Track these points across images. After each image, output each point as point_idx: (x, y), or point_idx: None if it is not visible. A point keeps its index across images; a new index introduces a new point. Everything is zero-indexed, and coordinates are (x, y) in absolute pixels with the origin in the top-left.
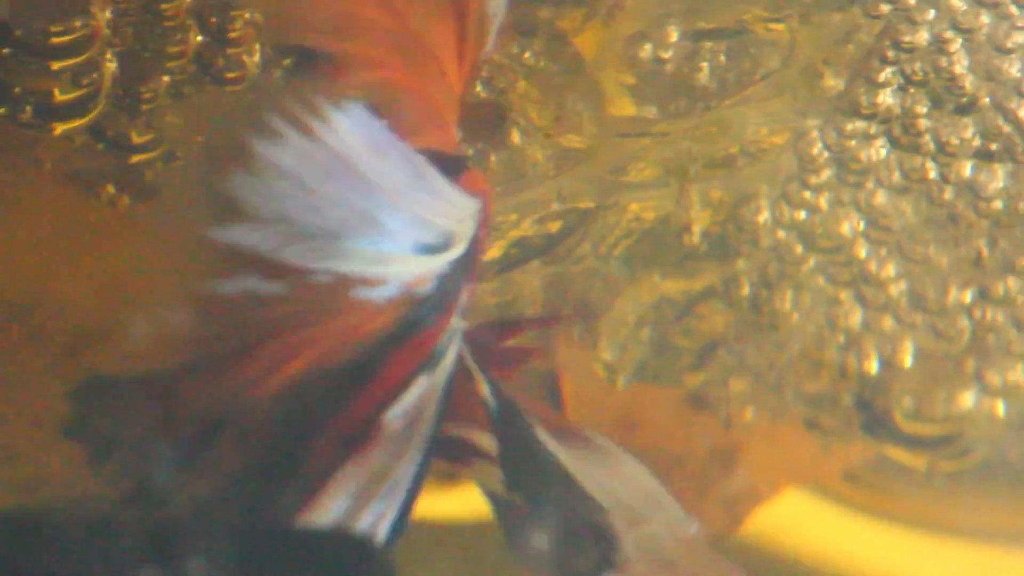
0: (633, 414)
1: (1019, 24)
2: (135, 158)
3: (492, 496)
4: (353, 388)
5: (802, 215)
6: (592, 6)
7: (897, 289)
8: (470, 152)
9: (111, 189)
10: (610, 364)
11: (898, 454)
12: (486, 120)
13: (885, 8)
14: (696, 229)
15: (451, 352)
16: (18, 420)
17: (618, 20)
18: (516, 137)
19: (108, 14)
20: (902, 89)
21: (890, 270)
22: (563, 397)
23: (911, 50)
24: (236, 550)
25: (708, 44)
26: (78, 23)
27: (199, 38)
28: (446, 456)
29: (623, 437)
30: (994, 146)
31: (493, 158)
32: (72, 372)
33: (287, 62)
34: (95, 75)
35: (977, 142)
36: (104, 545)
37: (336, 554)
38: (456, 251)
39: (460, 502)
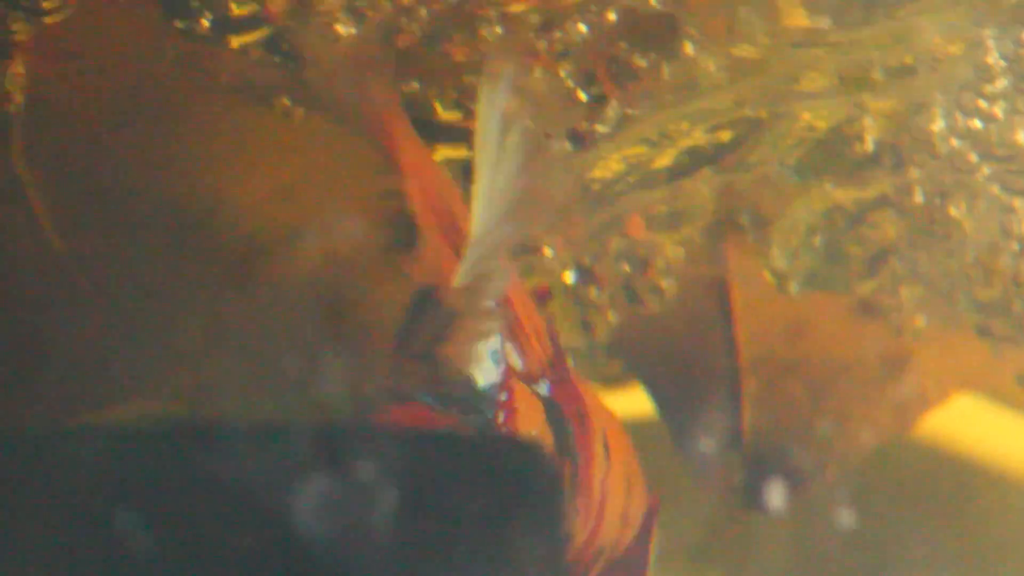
0: (803, 321)
1: None
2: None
3: (660, 398)
4: None
5: (977, 124)
6: None
7: None
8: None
9: (286, 101)
10: (781, 271)
11: None
12: (658, 31)
13: None
14: (869, 138)
15: None
16: (189, 327)
17: None
18: (688, 47)
19: None
20: None
21: None
22: (732, 305)
23: None
24: (402, 454)
25: None
26: None
27: None
28: None
29: (793, 344)
30: None
31: (665, 68)
32: (247, 281)
33: None
34: None
35: None
36: (273, 451)
37: (500, 457)
38: None
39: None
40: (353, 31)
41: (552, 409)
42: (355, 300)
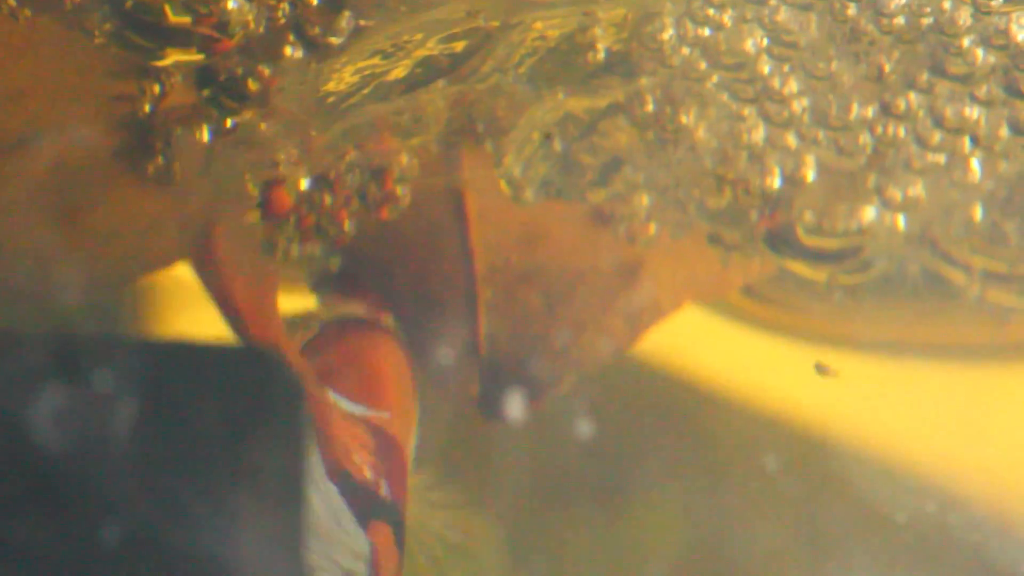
0: (538, 230)
1: None
2: None
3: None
4: None
5: (706, 32)
6: None
7: (800, 105)
8: None
9: (11, 2)
10: (515, 180)
11: (799, 268)
12: None
13: None
14: (600, 47)
15: None
16: None
17: None
18: None
19: None
20: None
21: (793, 86)
22: (468, 213)
23: None
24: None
25: None
26: None
27: None
28: None
29: (528, 252)
30: None
31: None
32: None
33: None
34: None
35: None
36: (6, 360)
37: (243, 368)
38: None
39: None
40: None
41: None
42: (87, 205)
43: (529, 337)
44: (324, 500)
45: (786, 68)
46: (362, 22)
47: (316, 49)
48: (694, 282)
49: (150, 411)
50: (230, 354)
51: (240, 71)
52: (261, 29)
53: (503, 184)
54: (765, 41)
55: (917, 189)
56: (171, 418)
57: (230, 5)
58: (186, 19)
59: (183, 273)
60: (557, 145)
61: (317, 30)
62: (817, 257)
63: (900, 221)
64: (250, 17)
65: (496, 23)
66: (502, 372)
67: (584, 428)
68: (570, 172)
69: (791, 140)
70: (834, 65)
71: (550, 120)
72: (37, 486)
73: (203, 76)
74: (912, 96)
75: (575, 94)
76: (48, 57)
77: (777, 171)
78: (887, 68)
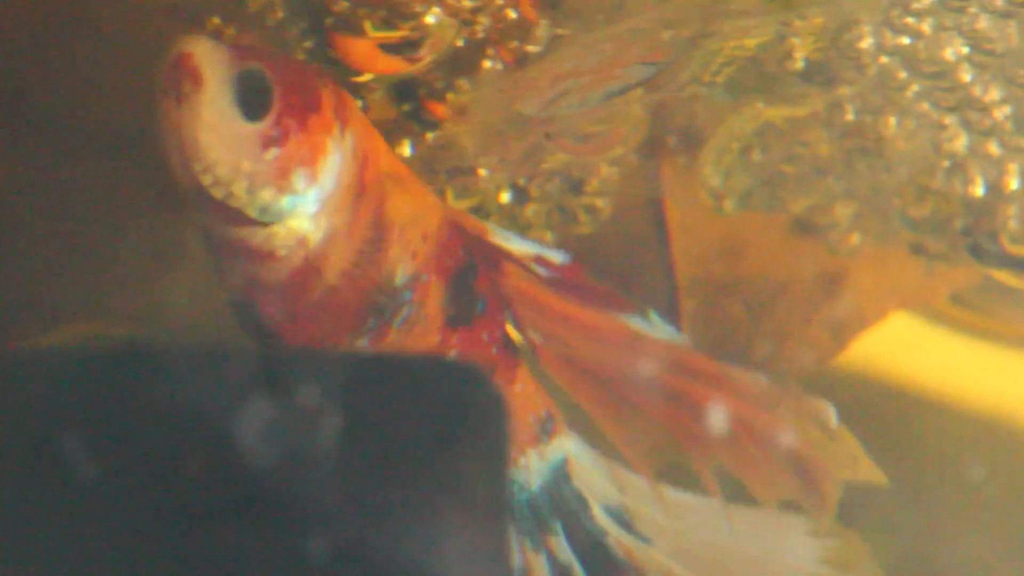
0: (739, 241)
1: None
2: None
3: None
4: None
5: (905, 40)
6: None
7: (1002, 113)
8: None
9: (217, 20)
10: (715, 190)
11: (1005, 277)
12: None
13: None
14: (799, 56)
15: None
16: (131, 251)
17: None
18: None
19: None
20: None
21: (994, 94)
22: (668, 225)
23: None
24: (344, 378)
25: None
26: None
27: None
28: None
29: (730, 264)
30: None
31: None
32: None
33: None
34: None
35: None
36: (215, 374)
37: (443, 381)
38: None
39: None
40: None
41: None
42: None
43: (732, 348)
44: None
45: (987, 76)
46: (559, 31)
47: (515, 60)
48: (898, 291)
49: (356, 423)
50: (434, 366)
51: (440, 84)
52: (460, 43)
53: (703, 195)
54: (965, 49)
55: None
56: (377, 430)
57: (429, 20)
58: (386, 34)
59: None
60: (756, 155)
61: (515, 43)
62: (1022, 265)
63: None
64: (449, 31)
65: (694, 31)
66: None
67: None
68: (770, 182)
69: (993, 148)
70: None
71: (749, 130)
72: (246, 498)
73: (403, 90)
74: None
75: (774, 103)
76: None
77: (980, 180)
78: None
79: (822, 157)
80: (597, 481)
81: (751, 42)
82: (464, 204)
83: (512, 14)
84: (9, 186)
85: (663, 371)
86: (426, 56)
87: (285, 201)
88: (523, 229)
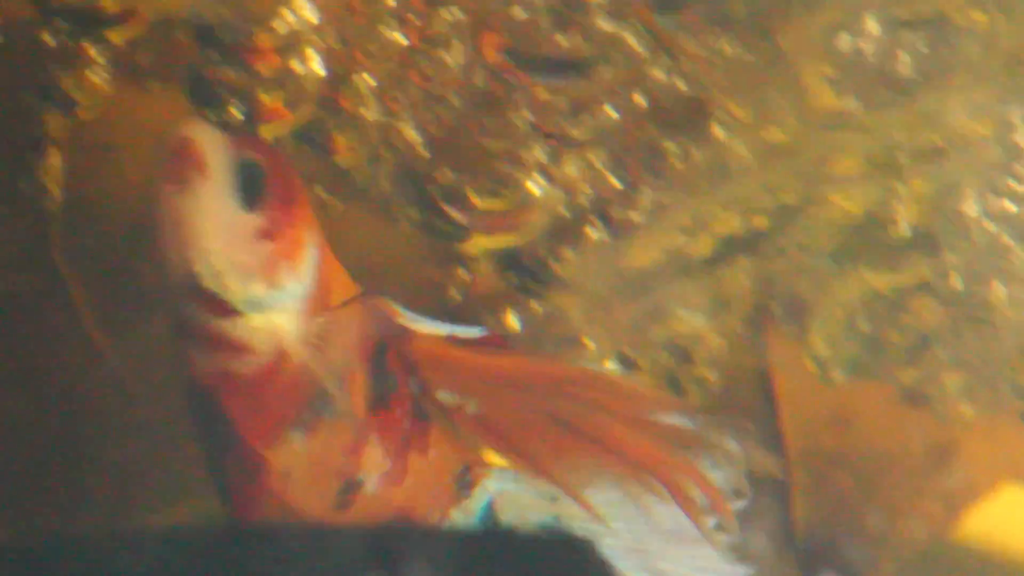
0: (847, 411)
1: None
2: (341, 160)
3: None
4: None
5: (1010, 206)
6: None
7: None
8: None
9: (320, 191)
10: (822, 360)
11: None
12: (688, 115)
13: None
14: (903, 222)
15: None
16: None
17: (817, 11)
18: (718, 131)
19: (311, 17)
20: None
21: None
22: (776, 395)
23: None
24: (456, 554)
25: (907, 34)
26: (281, 27)
27: (402, 40)
28: None
29: (839, 434)
30: None
31: (695, 153)
32: None
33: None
34: (299, 78)
35: None
36: (325, 553)
37: (554, 555)
38: None
39: None
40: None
41: None
42: None
43: (844, 521)
44: None
45: None
46: (663, 199)
47: (618, 228)
48: (1011, 462)
49: None
50: (546, 540)
51: (544, 253)
52: (565, 212)
53: (810, 364)
54: None
55: None
56: None
57: (534, 191)
58: (492, 203)
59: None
60: (862, 324)
61: (619, 211)
62: None
63: None
64: (554, 201)
65: (796, 198)
66: (818, 558)
67: None
68: (878, 351)
69: None
70: None
71: (854, 298)
72: None
73: (508, 260)
74: None
75: (879, 270)
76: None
77: None
78: None
79: (929, 325)
80: (526, 502)
81: (855, 208)
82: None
83: (616, 182)
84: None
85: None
86: (530, 225)
87: (272, 295)
88: None
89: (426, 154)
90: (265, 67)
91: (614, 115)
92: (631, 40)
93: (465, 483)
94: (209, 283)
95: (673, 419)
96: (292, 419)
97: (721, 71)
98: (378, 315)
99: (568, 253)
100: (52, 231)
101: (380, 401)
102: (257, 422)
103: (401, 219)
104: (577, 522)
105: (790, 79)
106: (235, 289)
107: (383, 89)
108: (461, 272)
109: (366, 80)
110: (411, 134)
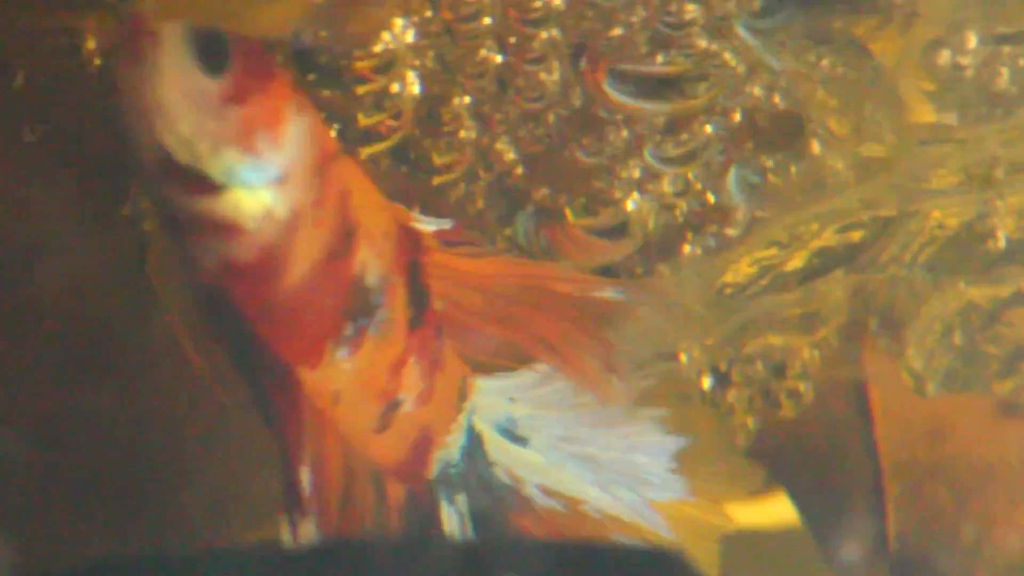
0: (943, 423)
1: None
2: (438, 179)
3: (803, 507)
4: None
5: None
6: (887, 13)
7: None
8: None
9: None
10: (918, 373)
11: None
12: (784, 131)
13: None
14: (1000, 235)
15: None
16: None
17: (915, 26)
18: (815, 147)
19: (409, 38)
20: None
21: None
22: (872, 408)
23: None
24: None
25: (1007, 48)
26: (379, 48)
27: (498, 58)
28: None
29: (935, 446)
30: None
31: (793, 168)
32: None
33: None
34: (397, 98)
35: None
36: (418, 566)
37: (647, 568)
38: None
39: (772, 512)
40: (474, 135)
41: None
42: None
43: (938, 533)
44: None
45: None
46: (758, 213)
47: (714, 243)
48: None
49: None
50: (637, 556)
51: (640, 270)
52: (660, 228)
53: (905, 377)
54: None
55: None
56: None
57: (629, 206)
58: (587, 221)
59: None
60: (959, 337)
61: (714, 226)
62: None
63: None
64: (649, 217)
65: (893, 211)
66: (912, 569)
67: None
68: (974, 363)
69: None
70: None
71: (951, 310)
72: None
73: (603, 276)
74: None
75: (976, 283)
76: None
77: None
78: None
79: None
80: (492, 403)
81: (952, 221)
82: (665, 390)
83: (712, 198)
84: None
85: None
86: (626, 242)
87: (249, 163)
88: (724, 414)
89: (522, 172)
90: (363, 87)
91: (710, 131)
92: (728, 57)
93: (463, 395)
94: (182, 156)
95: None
96: (331, 333)
97: (819, 86)
98: (408, 230)
99: (663, 268)
100: (151, 254)
101: (416, 321)
102: (283, 332)
103: (497, 237)
104: (524, 420)
105: (889, 94)
106: (209, 158)
107: (479, 107)
108: None
109: (462, 99)
110: (507, 152)
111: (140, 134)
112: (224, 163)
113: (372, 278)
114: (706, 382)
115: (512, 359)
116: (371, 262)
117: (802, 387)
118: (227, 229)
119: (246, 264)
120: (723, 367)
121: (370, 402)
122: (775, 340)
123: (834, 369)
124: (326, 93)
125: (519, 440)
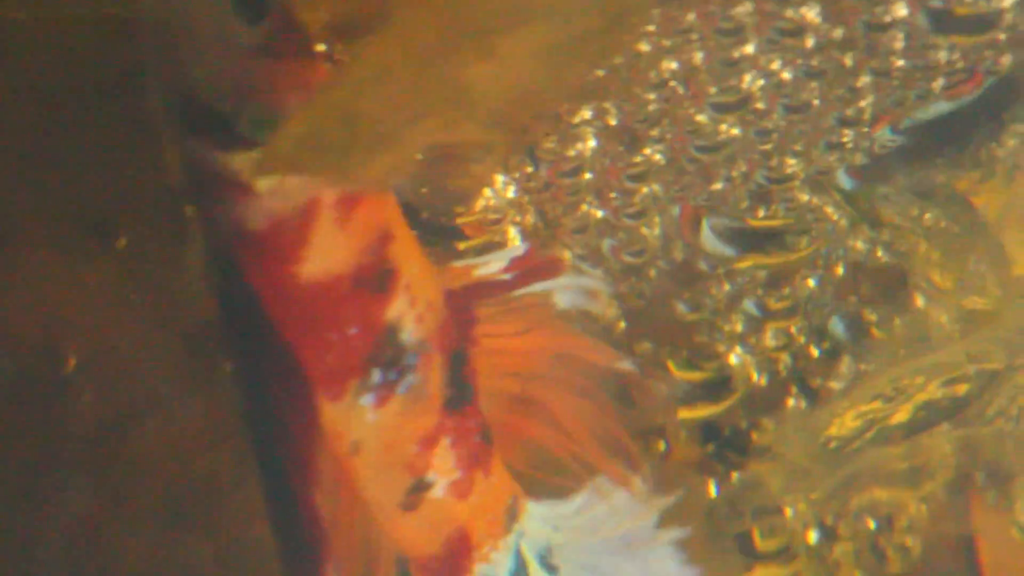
0: None
1: None
2: None
3: None
4: None
5: None
6: (989, 167)
7: None
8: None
9: None
10: None
11: None
12: (888, 284)
13: None
14: None
15: None
16: None
17: (1019, 180)
18: (919, 300)
19: (510, 194)
20: None
21: None
22: (981, 564)
23: None
24: None
25: None
26: (480, 204)
27: (599, 214)
28: None
29: None
30: None
31: (897, 321)
32: None
33: None
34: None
35: None
36: None
37: None
38: None
39: None
40: None
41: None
42: None
43: None
44: None
45: None
46: (862, 367)
47: (817, 398)
48: None
49: None
50: None
51: (744, 424)
52: (764, 382)
53: (1015, 532)
54: None
55: None
56: None
57: (732, 360)
58: (691, 375)
59: None
60: None
61: (819, 380)
62: None
63: None
64: (752, 371)
65: (1000, 365)
66: None
67: None
68: None
69: None
70: None
71: None
72: None
73: (707, 431)
74: None
75: None
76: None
77: None
78: None
79: None
80: (539, 530)
81: None
82: (770, 545)
83: (815, 351)
84: None
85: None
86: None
87: (273, 120)
88: (831, 570)
89: (624, 326)
90: (463, 243)
91: (812, 285)
92: (830, 211)
93: (513, 515)
94: (207, 96)
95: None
96: (356, 369)
97: (923, 239)
98: (461, 313)
99: (767, 422)
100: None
101: (454, 404)
102: (313, 348)
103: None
104: (558, 549)
105: (992, 247)
106: (236, 103)
107: (581, 263)
108: (659, 443)
109: (563, 254)
110: (610, 307)
111: (171, 73)
112: (252, 112)
113: (408, 337)
114: (811, 537)
115: (550, 471)
116: (408, 321)
117: (909, 541)
118: (241, 189)
119: (257, 233)
120: (829, 522)
121: (395, 471)
122: (881, 494)
123: (942, 524)
124: (428, 250)
125: (551, 569)
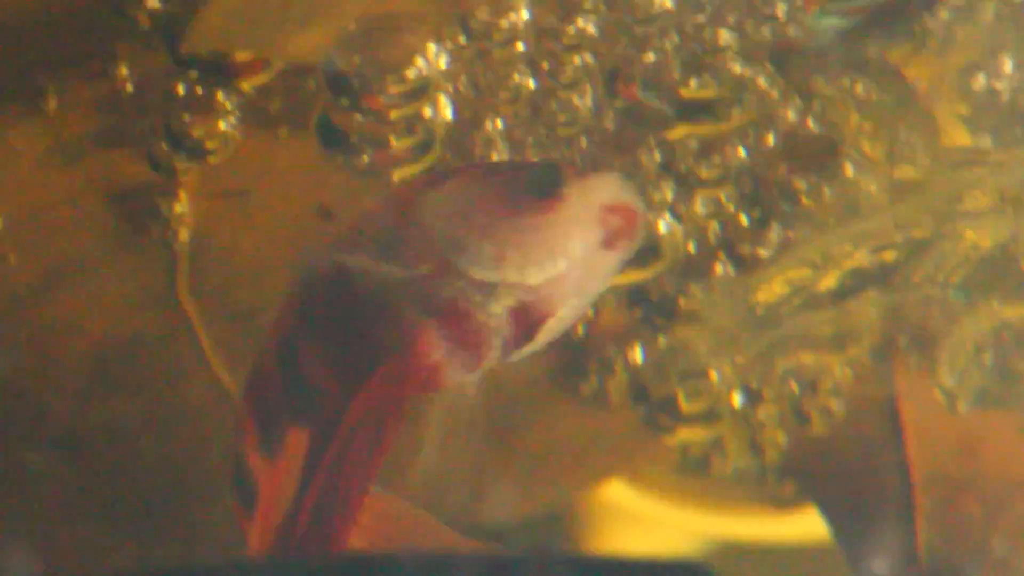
0: (974, 440)
1: None
2: None
3: (834, 522)
4: None
5: None
6: (921, 38)
7: None
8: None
9: None
10: (950, 390)
11: None
12: (819, 154)
13: None
14: None
15: None
16: None
17: (950, 52)
18: (849, 169)
19: (442, 64)
20: None
21: None
22: (903, 425)
23: None
24: None
25: None
26: (412, 73)
27: (531, 83)
28: None
29: (965, 462)
30: None
31: (826, 190)
32: None
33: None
34: (429, 122)
35: None
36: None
37: None
38: None
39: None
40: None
41: None
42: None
43: (969, 546)
44: None
45: None
46: (790, 234)
47: (745, 264)
48: None
49: None
50: (662, 570)
51: (671, 290)
52: (692, 249)
53: (937, 394)
54: None
55: None
56: None
57: (661, 228)
58: None
59: (614, 492)
60: (991, 355)
61: (747, 247)
62: None
63: None
64: (681, 238)
65: (927, 232)
66: None
67: None
68: (1006, 381)
69: None
70: None
71: (984, 330)
72: None
73: (634, 296)
74: None
75: (1010, 302)
76: None
77: None
78: None
79: None
80: None
81: (986, 242)
82: (695, 407)
83: (744, 220)
84: None
85: None
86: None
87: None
88: (755, 431)
89: None
90: (395, 112)
91: (743, 154)
92: (763, 82)
93: None
94: None
95: None
96: None
97: (854, 110)
98: None
99: (695, 288)
100: (179, 273)
101: None
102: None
103: None
104: None
105: (923, 118)
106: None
107: (512, 132)
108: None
109: (495, 123)
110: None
111: None
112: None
113: None
114: (736, 399)
115: None
116: None
117: (834, 404)
118: None
119: None
120: (754, 385)
121: None
122: (807, 358)
123: (866, 387)
124: (359, 117)
125: None
